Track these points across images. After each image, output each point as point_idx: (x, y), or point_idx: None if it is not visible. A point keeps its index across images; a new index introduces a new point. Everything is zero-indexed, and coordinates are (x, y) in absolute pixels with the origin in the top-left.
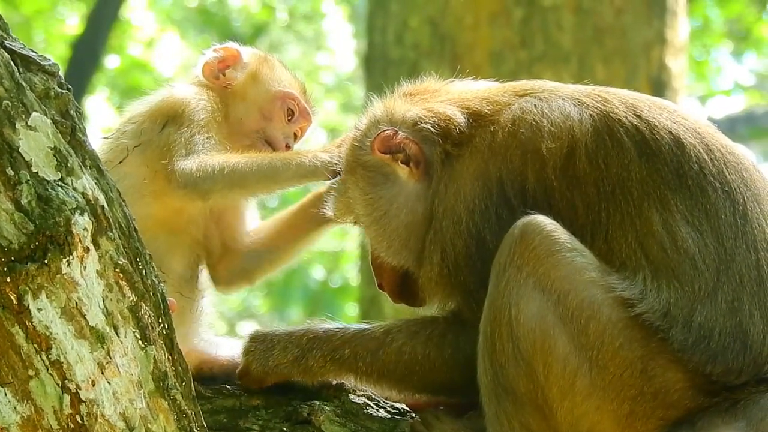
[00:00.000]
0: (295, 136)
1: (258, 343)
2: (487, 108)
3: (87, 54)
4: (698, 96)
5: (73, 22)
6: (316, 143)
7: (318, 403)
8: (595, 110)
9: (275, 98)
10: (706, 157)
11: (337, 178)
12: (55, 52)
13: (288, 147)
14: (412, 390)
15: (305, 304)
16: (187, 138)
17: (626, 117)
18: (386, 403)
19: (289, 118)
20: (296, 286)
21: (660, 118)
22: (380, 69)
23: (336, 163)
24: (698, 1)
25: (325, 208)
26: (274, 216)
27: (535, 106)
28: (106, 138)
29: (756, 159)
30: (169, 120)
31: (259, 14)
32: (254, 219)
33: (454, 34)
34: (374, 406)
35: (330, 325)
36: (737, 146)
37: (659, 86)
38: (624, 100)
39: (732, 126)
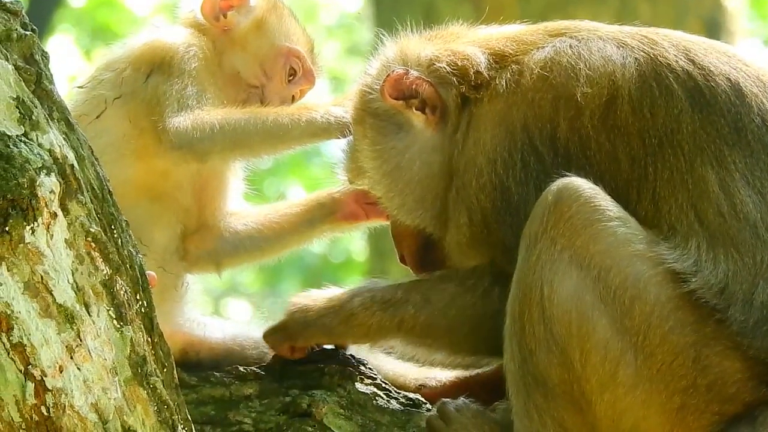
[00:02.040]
0: (293, 98)
1: (304, 298)
2: (511, 48)
3: None
4: (761, 39)
5: None
6: (325, 96)
7: (320, 392)
8: (641, 53)
9: (279, 54)
10: None
11: (349, 138)
12: None
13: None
14: (462, 344)
15: (302, 282)
16: (179, 90)
17: (677, 61)
18: (398, 393)
19: (291, 78)
20: (292, 261)
21: (717, 64)
22: (390, 6)
23: (349, 120)
24: None
25: (337, 174)
26: (268, 205)
27: (570, 47)
28: (80, 87)
29: None
30: (155, 68)
31: None
32: (238, 199)
33: None
34: (384, 397)
35: (382, 281)
36: None
37: (713, 28)
38: (675, 42)
39: None
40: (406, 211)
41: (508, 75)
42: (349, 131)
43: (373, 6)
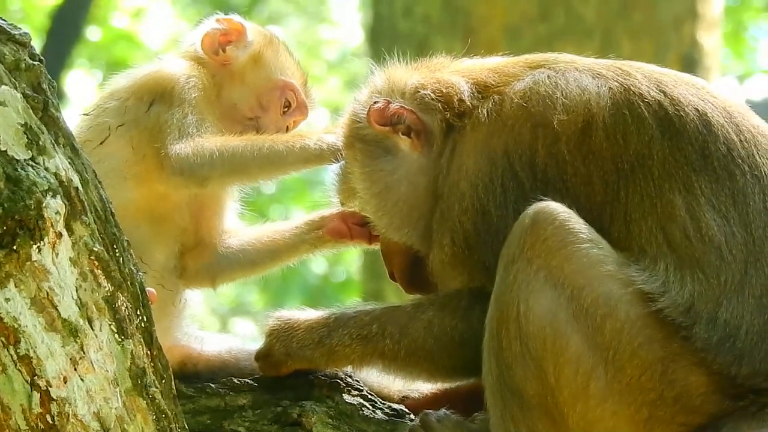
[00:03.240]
0: (287, 128)
1: (282, 323)
2: (494, 79)
3: (67, 26)
4: (735, 75)
5: None
6: (319, 124)
7: (309, 403)
8: (615, 83)
9: (275, 87)
10: (735, 138)
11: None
12: (33, 23)
13: None
14: (442, 369)
15: (305, 300)
16: (179, 119)
17: (649, 92)
18: (383, 404)
19: (285, 109)
20: (295, 281)
21: (686, 95)
22: (387, 44)
23: (340, 146)
24: None
25: (330, 196)
26: (263, 226)
27: (548, 77)
28: (86, 115)
29: None
30: (157, 98)
31: None
32: (233, 218)
33: (468, 7)
34: (370, 407)
35: (360, 306)
36: None
37: (691, 64)
38: (648, 74)
39: None
40: (394, 229)
41: (490, 104)
42: (341, 156)
43: (370, 42)
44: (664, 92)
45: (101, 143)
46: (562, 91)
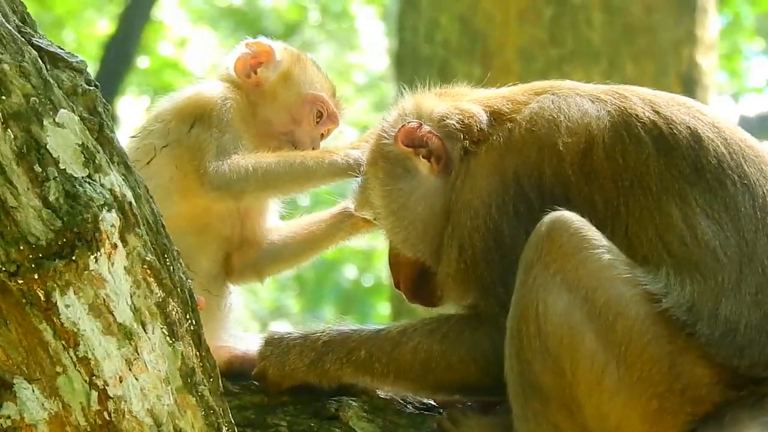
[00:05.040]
0: (321, 136)
1: (274, 347)
2: (507, 107)
3: (119, 54)
4: (730, 94)
5: (104, 23)
6: (346, 140)
7: (346, 398)
8: (613, 106)
9: (306, 101)
10: (724, 151)
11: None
12: (87, 53)
13: (314, 149)
14: (429, 389)
15: (338, 304)
16: (217, 138)
17: (644, 113)
18: (413, 399)
19: (318, 120)
20: (329, 286)
21: (678, 114)
22: (411, 67)
23: (365, 160)
24: None
25: (344, 205)
26: (299, 218)
27: (552, 102)
28: (133, 137)
29: None
30: (197, 119)
31: (290, 13)
32: (275, 215)
33: (485, 32)
34: (402, 402)
35: (345, 327)
36: (759, 142)
37: (690, 84)
38: (642, 96)
39: (764, 124)
40: (409, 246)
41: (503, 130)
42: (364, 170)
43: (395, 66)
44: (657, 112)
45: (148, 163)
46: (565, 115)
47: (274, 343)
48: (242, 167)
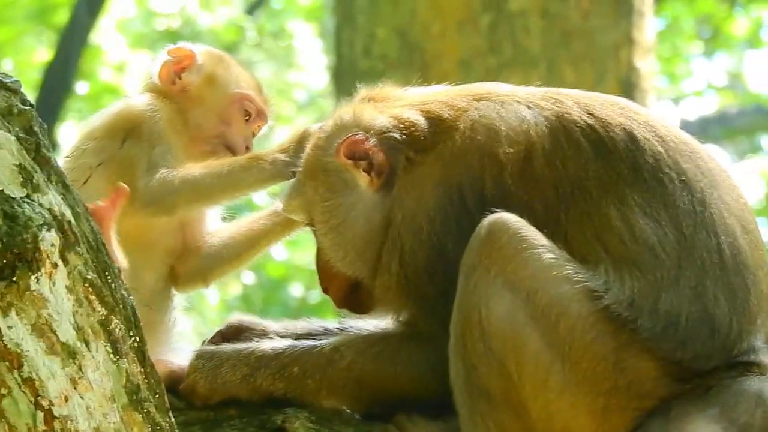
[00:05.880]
0: (253, 134)
1: (206, 361)
2: (447, 113)
3: (58, 80)
4: (671, 97)
5: (42, 51)
6: (273, 142)
7: (291, 410)
8: (550, 112)
9: (233, 101)
10: (660, 149)
11: (295, 177)
12: (26, 80)
13: (248, 148)
14: (364, 405)
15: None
16: (148, 152)
17: (580, 117)
18: None
19: (247, 118)
20: (275, 303)
21: (613, 115)
22: (350, 81)
23: (295, 162)
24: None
25: (279, 204)
26: (237, 220)
27: (492, 110)
28: (68, 157)
29: (729, 159)
30: (128, 134)
31: (227, 33)
32: (215, 219)
33: (422, 43)
34: (348, 411)
35: (278, 342)
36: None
37: (629, 87)
38: (577, 99)
39: (705, 127)
40: (347, 263)
41: (446, 139)
42: (293, 173)
43: (335, 82)
44: (593, 115)
45: (85, 182)
46: (505, 123)
47: (205, 357)
48: (171, 182)
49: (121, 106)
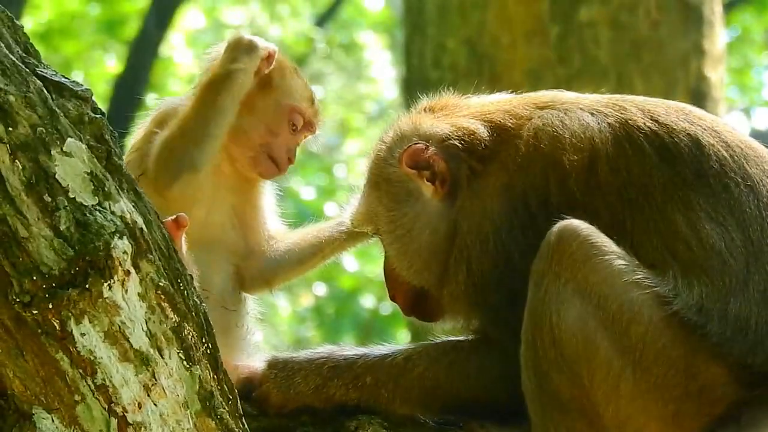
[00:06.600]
0: (297, 144)
1: (278, 371)
2: (510, 122)
3: (128, 92)
4: (741, 108)
5: (113, 63)
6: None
7: (365, 416)
8: (614, 118)
9: (284, 113)
10: (725, 154)
11: (361, 190)
12: (97, 92)
13: (290, 160)
14: (437, 412)
15: (357, 333)
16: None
17: (644, 123)
18: None
19: (293, 128)
20: (347, 315)
21: (677, 121)
22: (420, 92)
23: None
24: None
25: (344, 216)
26: (307, 227)
27: (555, 117)
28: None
29: None
30: (158, 127)
31: (297, 45)
32: (278, 224)
33: (492, 54)
34: (421, 417)
35: (350, 351)
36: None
37: (699, 97)
38: (641, 106)
39: None
40: (413, 273)
41: (509, 148)
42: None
43: (405, 93)
44: (657, 121)
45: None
46: (569, 130)
47: (278, 366)
48: (155, 147)
49: (161, 104)
